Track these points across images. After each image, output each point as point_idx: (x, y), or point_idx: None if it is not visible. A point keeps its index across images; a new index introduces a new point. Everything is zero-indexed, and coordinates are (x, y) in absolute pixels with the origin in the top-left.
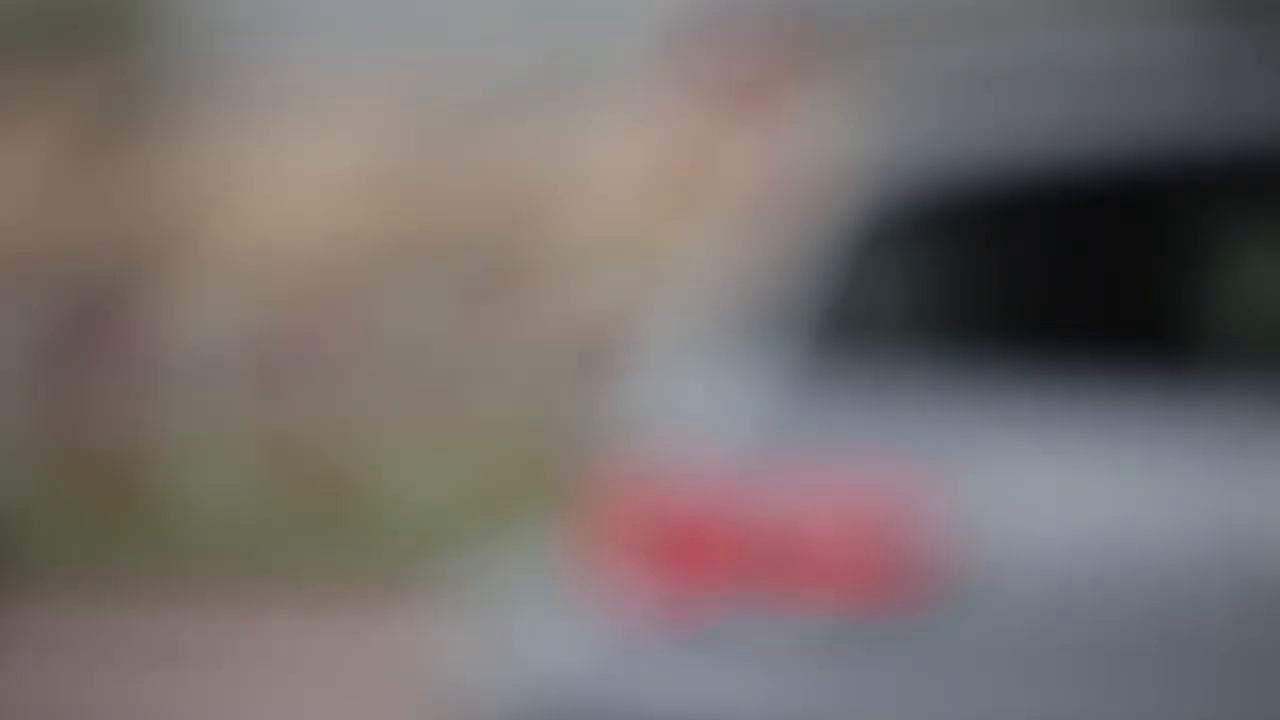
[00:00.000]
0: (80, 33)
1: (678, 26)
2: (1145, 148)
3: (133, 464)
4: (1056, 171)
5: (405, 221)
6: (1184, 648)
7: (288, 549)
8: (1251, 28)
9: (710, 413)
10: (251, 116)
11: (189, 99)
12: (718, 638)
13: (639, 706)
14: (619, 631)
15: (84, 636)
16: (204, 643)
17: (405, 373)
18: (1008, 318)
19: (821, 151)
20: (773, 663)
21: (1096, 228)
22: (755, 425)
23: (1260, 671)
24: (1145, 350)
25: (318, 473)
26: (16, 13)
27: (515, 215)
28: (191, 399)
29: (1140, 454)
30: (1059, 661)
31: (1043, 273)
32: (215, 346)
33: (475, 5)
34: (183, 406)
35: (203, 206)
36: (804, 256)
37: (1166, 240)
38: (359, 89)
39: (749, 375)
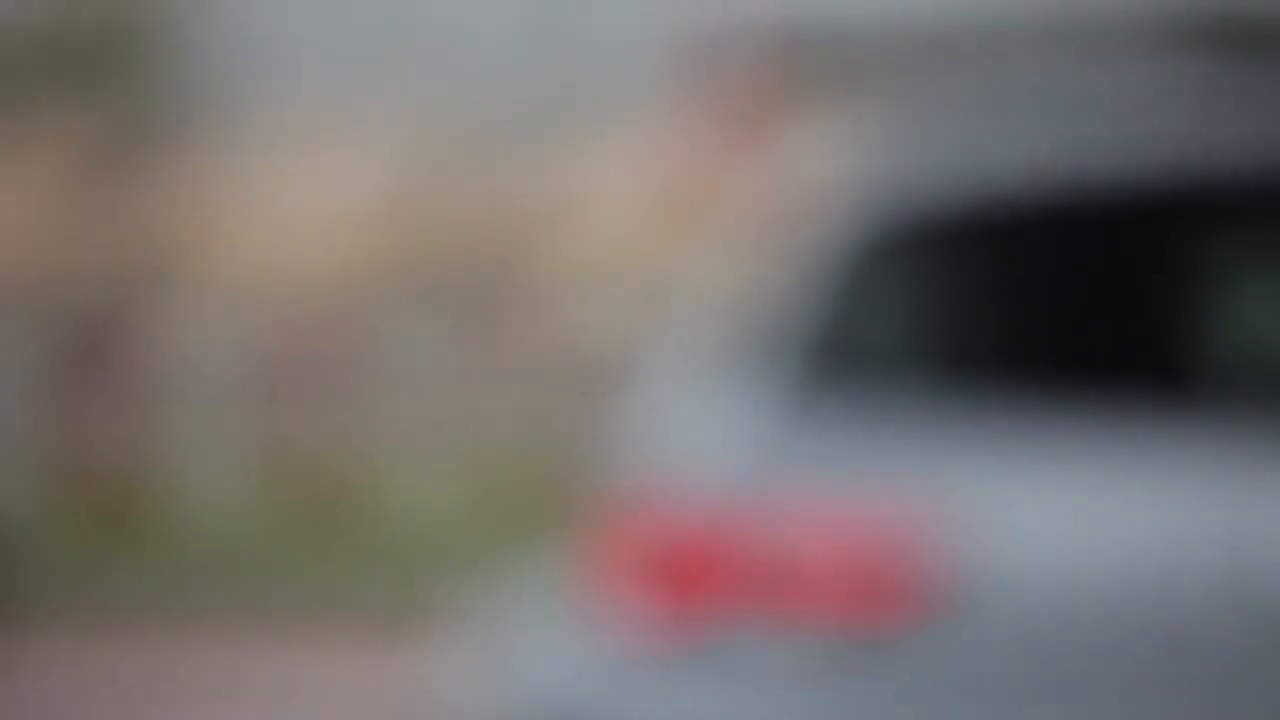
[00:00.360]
0: (86, 62)
1: (680, 54)
2: (1143, 173)
3: (137, 487)
4: (1054, 197)
5: (408, 246)
6: (1184, 672)
7: (293, 571)
8: (1247, 56)
9: (710, 436)
10: (256, 144)
11: (193, 127)
12: (717, 657)
13: None
14: (620, 650)
15: (87, 664)
16: (209, 670)
17: (409, 394)
18: (1005, 342)
19: (820, 177)
20: (769, 681)
21: (1095, 253)
22: (754, 449)
23: (1261, 695)
24: (1144, 374)
25: (322, 494)
26: (22, 44)
27: (518, 240)
28: (196, 422)
29: (1139, 477)
30: (1055, 681)
31: (1041, 298)
32: (220, 370)
33: (478, 34)
34: (187, 429)
35: (207, 232)
36: (803, 282)
37: (1165, 265)
38: (363, 116)
39: (748, 399)
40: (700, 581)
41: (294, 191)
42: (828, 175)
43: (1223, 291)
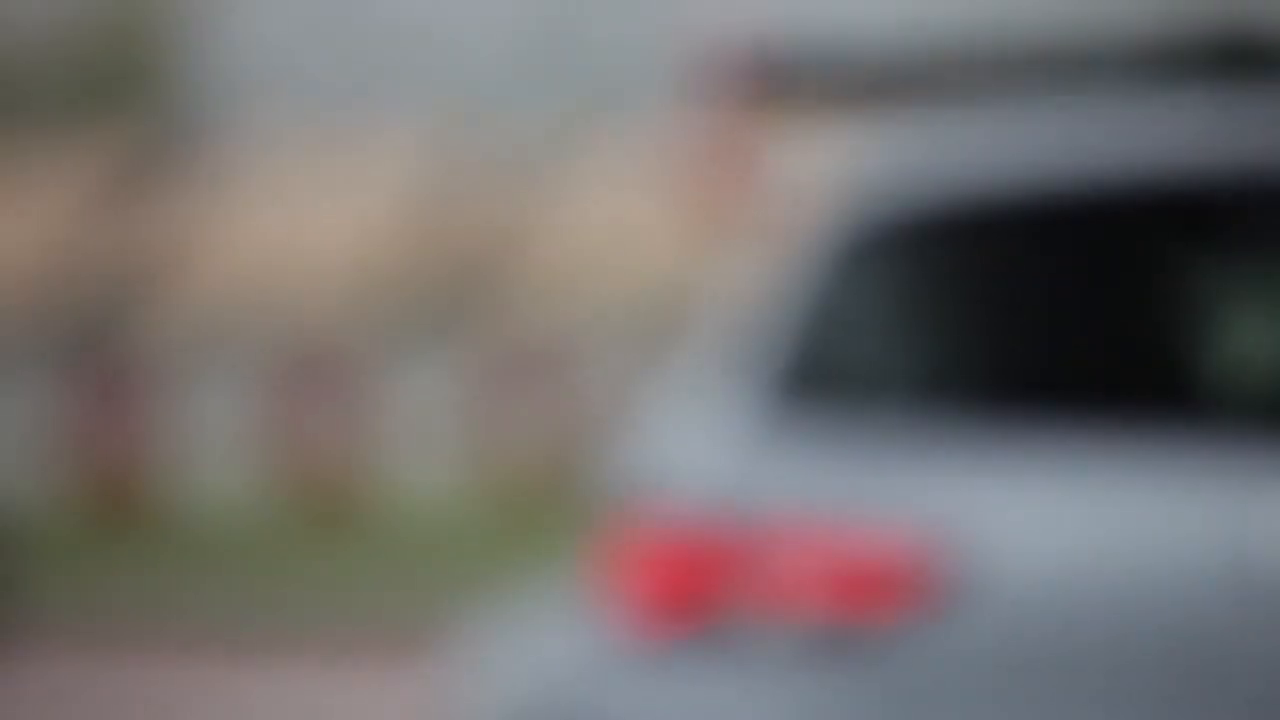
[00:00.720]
0: (103, 90)
1: (681, 71)
2: (1136, 183)
3: (147, 492)
4: (1045, 207)
5: (412, 256)
6: (1183, 677)
7: (294, 573)
8: (1235, 73)
9: (705, 442)
10: (265, 160)
11: (204, 144)
12: (709, 653)
13: (633, 712)
14: (617, 647)
15: (86, 671)
16: (210, 679)
17: (412, 399)
18: (996, 351)
19: (814, 189)
20: (758, 676)
21: (1086, 262)
22: (746, 455)
23: (1263, 692)
24: (1134, 382)
25: (328, 496)
26: (39, 70)
27: (516, 252)
28: (204, 428)
29: (1130, 480)
30: (1050, 678)
31: (1031, 304)
32: (227, 377)
33: (482, 54)
34: (195, 435)
35: (216, 242)
36: (795, 293)
37: (1156, 274)
38: (369, 133)
39: (742, 406)
40: (694, 584)
41: (301, 202)
42: (821, 188)
43: (1216, 299)
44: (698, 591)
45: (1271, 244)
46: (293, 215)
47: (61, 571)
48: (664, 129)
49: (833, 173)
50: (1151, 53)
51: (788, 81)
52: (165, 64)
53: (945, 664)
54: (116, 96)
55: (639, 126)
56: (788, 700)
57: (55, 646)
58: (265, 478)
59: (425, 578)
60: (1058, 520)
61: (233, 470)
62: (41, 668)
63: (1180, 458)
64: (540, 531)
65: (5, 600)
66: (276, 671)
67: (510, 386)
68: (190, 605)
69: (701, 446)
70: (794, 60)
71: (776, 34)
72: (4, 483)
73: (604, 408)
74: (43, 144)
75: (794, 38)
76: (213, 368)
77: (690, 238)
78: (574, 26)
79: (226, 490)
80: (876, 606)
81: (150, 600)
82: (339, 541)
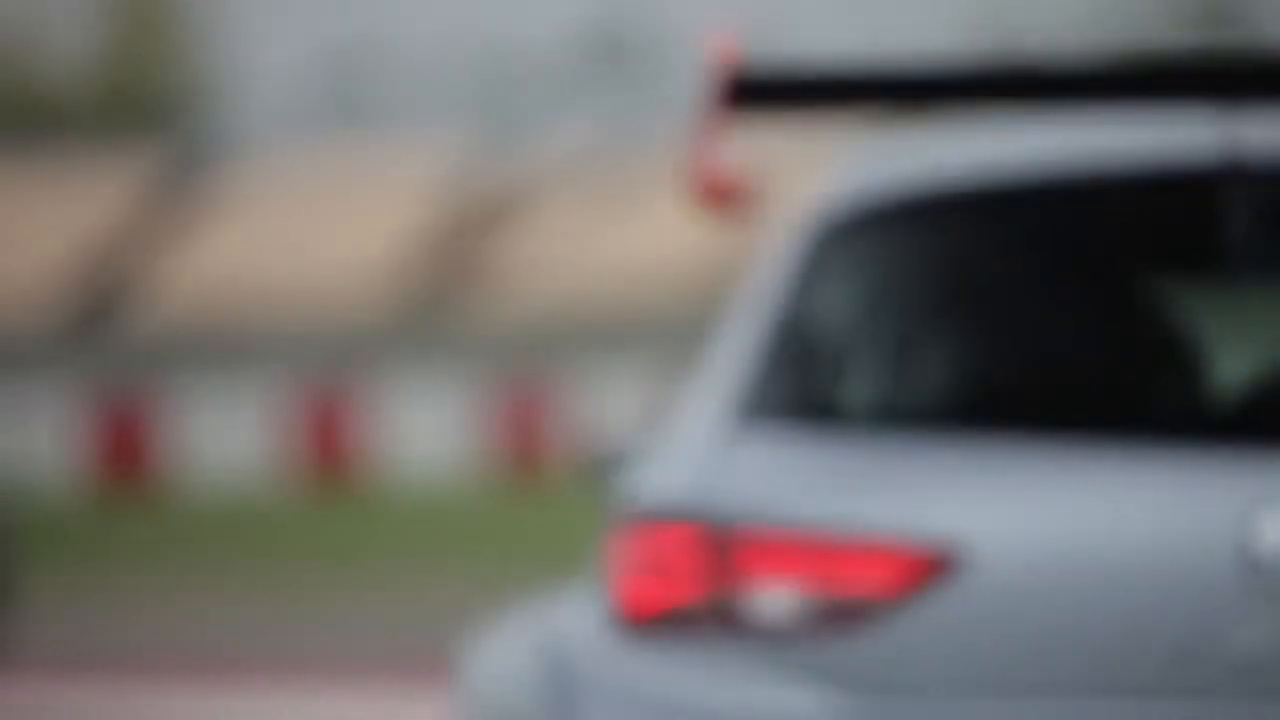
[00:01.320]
0: (128, 112)
1: (695, 91)
2: (1123, 195)
3: (153, 496)
4: (1030, 221)
5: (421, 268)
6: (1170, 676)
7: (300, 574)
8: (1231, 96)
9: (697, 446)
10: (285, 177)
11: (225, 161)
12: (698, 638)
13: (629, 692)
14: (614, 634)
15: (84, 689)
16: (215, 696)
17: (419, 399)
18: (984, 362)
19: (801, 207)
20: (741, 658)
21: (1072, 272)
22: (737, 458)
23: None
24: (1123, 396)
25: (336, 492)
26: (70, 97)
27: (528, 263)
28: (212, 432)
29: (1118, 488)
30: (1035, 668)
31: (1018, 316)
32: (237, 383)
33: (499, 77)
34: (203, 439)
35: (225, 252)
36: (786, 305)
37: (1145, 285)
38: (390, 148)
39: (733, 412)
40: (688, 576)
41: (315, 211)
42: (811, 196)
43: (1205, 302)
44: (692, 583)
45: (1260, 243)
46: (305, 223)
47: (64, 573)
48: (674, 139)
49: (823, 181)
50: (1140, 69)
51: (778, 93)
52: (187, 86)
53: (933, 654)
54: (140, 118)
55: (650, 136)
56: (776, 680)
57: (55, 652)
58: (273, 480)
59: (428, 578)
60: (1048, 510)
61: (242, 472)
62: (39, 675)
63: (1172, 458)
64: (544, 530)
65: (4, 602)
66: (277, 674)
67: (516, 388)
68: (196, 608)
69: (694, 444)
70: (785, 72)
71: (767, 48)
72: (8, 483)
73: (609, 409)
74: (70, 162)
75: (784, 52)
76: (221, 372)
77: (698, 244)
78: (597, 37)
79: (234, 490)
80: (868, 595)
81: (154, 605)
82: (344, 541)
